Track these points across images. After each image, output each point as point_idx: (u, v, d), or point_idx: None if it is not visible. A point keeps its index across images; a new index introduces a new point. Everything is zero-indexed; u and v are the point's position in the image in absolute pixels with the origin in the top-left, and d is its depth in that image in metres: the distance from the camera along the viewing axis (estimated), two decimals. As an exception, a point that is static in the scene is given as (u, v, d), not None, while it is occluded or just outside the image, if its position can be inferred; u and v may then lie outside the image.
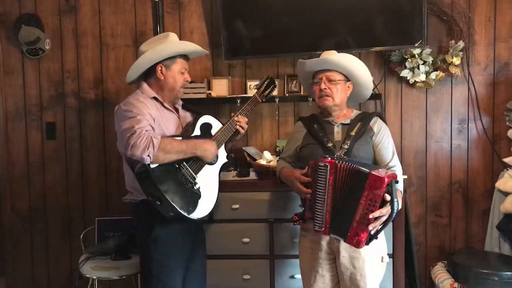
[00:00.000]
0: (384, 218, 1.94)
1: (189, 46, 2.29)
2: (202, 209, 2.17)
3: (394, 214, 1.94)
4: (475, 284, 2.62)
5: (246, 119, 2.40)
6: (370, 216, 1.91)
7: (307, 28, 2.89)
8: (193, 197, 2.15)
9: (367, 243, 1.98)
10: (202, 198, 2.18)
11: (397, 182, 1.98)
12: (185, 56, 2.29)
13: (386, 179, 1.88)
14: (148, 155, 2.00)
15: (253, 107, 2.45)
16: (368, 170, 1.92)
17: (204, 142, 2.21)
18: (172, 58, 2.23)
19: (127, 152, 2.02)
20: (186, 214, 2.09)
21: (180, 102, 2.40)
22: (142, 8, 3.18)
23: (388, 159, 2.20)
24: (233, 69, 3.17)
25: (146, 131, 2.04)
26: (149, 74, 2.26)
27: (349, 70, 2.23)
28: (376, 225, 1.94)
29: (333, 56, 2.21)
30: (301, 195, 2.16)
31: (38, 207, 3.30)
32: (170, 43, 2.24)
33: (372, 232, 1.96)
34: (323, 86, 2.20)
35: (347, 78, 2.26)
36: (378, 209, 1.91)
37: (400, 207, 1.98)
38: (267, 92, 2.51)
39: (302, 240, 2.30)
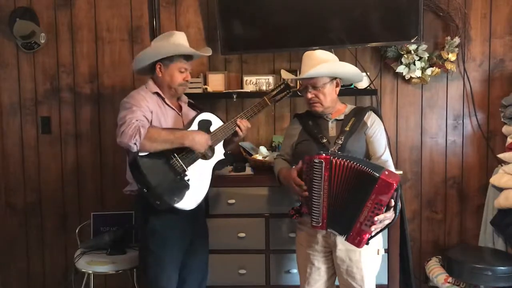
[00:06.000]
0: (387, 222, 1.97)
1: (182, 49, 2.32)
2: (189, 201, 2.21)
3: (396, 217, 1.98)
4: (469, 279, 2.64)
5: (248, 124, 2.38)
6: (376, 219, 1.92)
7: (304, 23, 2.89)
8: (180, 188, 2.20)
9: (367, 243, 2.01)
10: (191, 190, 2.22)
11: (400, 186, 2.00)
12: (186, 57, 2.34)
13: (394, 185, 1.88)
14: (135, 143, 2.08)
15: (260, 109, 2.41)
16: (378, 174, 1.90)
17: (193, 132, 2.25)
18: (171, 57, 2.30)
19: (117, 140, 2.13)
20: (171, 203, 2.14)
21: (186, 100, 2.47)
22: (138, 2, 3.16)
23: (380, 152, 2.21)
24: (229, 64, 3.17)
25: (136, 120, 2.13)
26: (153, 70, 2.34)
27: (332, 75, 2.24)
28: (378, 227, 1.97)
29: (313, 70, 2.18)
30: (297, 193, 2.14)
31: (33, 202, 3.29)
32: (169, 43, 2.32)
33: (373, 234, 1.99)
34: (309, 95, 2.22)
35: (333, 77, 2.25)
36: (383, 212, 1.93)
37: (399, 208, 2.01)
38: (279, 96, 2.44)
39: (298, 233, 2.31)
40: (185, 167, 2.22)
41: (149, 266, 2.25)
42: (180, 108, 2.41)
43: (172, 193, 2.16)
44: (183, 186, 2.21)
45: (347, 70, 2.29)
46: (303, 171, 2.09)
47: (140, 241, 2.37)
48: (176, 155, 2.21)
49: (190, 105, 2.48)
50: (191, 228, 2.32)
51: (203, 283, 2.44)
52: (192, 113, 2.44)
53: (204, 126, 2.32)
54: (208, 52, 2.48)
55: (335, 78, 2.26)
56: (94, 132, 3.24)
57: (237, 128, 2.35)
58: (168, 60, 2.30)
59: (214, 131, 2.33)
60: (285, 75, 2.45)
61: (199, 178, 2.26)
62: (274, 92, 2.45)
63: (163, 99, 2.32)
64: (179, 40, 2.34)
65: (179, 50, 2.31)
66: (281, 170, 2.31)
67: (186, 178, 2.21)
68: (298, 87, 2.96)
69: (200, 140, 2.23)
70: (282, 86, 2.47)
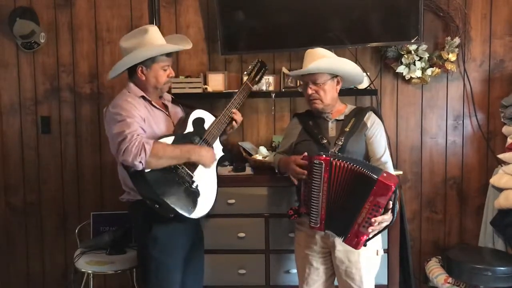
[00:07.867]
0: (384, 224, 1.98)
1: (165, 48, 2.19)
2: (202, 207, 2.15)
3: (393, 219, 1.98)
4: (469, 279, 2.64)
5: (241, 117, 2.36)
6: (372, 220, 1.93)
7: (304, 23, 2.89)
8: (192, 196, 2.12)
9: (364, 245, 2.01)
10: (201, 196, 2.16)
11: (400, 187, 1.99)
12: (166, 53, 2.20)
13: (392, 187, 1.89)
14: (140, 162, 1.97)
15: (245, 95, 2.39)
16: (376, 176, 1.90)
17: (199, 147, 2.18)
18: (152, 57, 2.16)
19: (119, 158, 2.00)
20: (187, 215, 2.07)
21: (169, 98, 2.36)
22: (138, 2, 3.16)
23: (380, 153, 2.20)
24: (229, 64, 3.17)
25: (138, 135, 2.01)
26: (132, 73, 2.21)
27: (333, 72, 2.23)
28: (376, 229, 1.97)
29: (313, 64, 2.17)
30: (295, 176, 2.14)
31: (33, 202, 3.29)
32: (147, 44, 2.15)
33: (371, 236, 1.99)
34: (309, 91, 2.21)
35: (334, 74, 2.24)
36: (381, 214, 1.93)
37: (397, 210, 2.01)
38: (258, 76, 2.47)
39: (297, 234, 2.32)
40: (191, 174, 2.14)
41: (152, 272, 2.16)
42: (166, 107, 2.31)
43: (186, 204, 2.08)
44: (195, 194, 2.13)
45: (348, 67, 2.28)
46: (303, 167, 2.09)
47: (141, 248, 2.27)
48: (181, 163, 2.12)
49: (173, 102, 2.38)
50: (193, 232, 2.28)
51: (201, 285, 2.42)
52: (179, 111, 2.38)
53: (198, 124, 2.25)
54: (187, 43, 2.29)
55: (336, 76, 2.25)
56: (94, 132, 3.23)
57: (234, 122, 2.33)
58: (150, 61, 2.15)
59: (208, 128, 2.26)
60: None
61: (206, 182, 2.20)
62: (253, 74, 2.46)
63: (149, 101, 2.20)
64: (157, 39, 2.18)
65: (164, 50, 2.17)
66: (281, 158, 2.32)
67: (194, 185, 2.14)
68: (298, 85, 2.98)
69: (206, 155, 2.18)
70: (258, 66, 2.47)
